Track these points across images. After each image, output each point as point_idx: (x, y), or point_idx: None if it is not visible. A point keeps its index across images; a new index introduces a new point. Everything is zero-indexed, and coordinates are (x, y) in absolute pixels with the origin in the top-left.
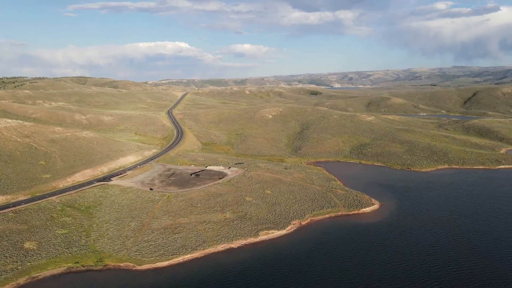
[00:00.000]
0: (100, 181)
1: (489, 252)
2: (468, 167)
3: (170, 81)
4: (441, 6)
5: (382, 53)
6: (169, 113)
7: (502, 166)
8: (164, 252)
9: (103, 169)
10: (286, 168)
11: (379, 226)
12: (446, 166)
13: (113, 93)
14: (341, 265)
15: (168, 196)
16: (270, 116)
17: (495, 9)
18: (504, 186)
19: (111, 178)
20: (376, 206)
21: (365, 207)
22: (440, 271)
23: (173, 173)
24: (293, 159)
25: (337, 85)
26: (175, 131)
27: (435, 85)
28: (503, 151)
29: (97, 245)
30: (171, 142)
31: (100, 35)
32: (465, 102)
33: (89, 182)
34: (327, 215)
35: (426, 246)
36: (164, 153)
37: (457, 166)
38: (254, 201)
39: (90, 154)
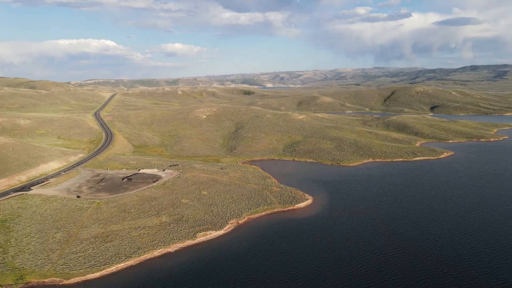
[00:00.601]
0: (17, 191)
1: (409, 235)
2: (389, 160)
3: (96, 81)
4: (361, 11)
5: (311, 54)
6: (97, 115)
7: (417, 158)
8: (95, 263)
9: (21, 178)
10: (222, 168)
11: (312, 219)
12: (370, 159)
13: (31, 94)
14: (277, 259)
15: (98, 203)
16: (204, 116)
17: (408, 15)
18: (420, 176)
19: (31, 187)
20: (309, 201)
21: (299, 202)
22: (368, 257)
23: (103, 178)
24: (228, 158)
25: (269, 85)
26: (103, 134)
27: (359, 85)
28: (418, 144)
29: (17, 262)
30: (99, 146)
31: (12, 30)
32: (385, 100)
33: (4, 193)
34: (263, 213)
35: (355, 234)
36: (92, 157)
37: (380, 159)
38: (190, 202)
39: (4, 162)
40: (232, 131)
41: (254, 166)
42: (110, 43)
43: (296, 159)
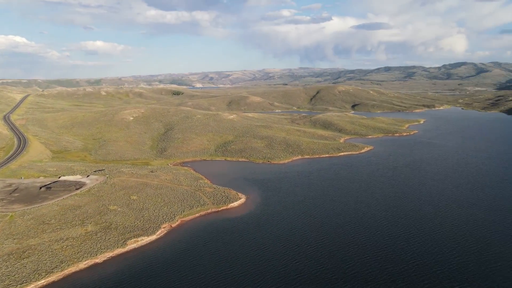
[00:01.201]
0: None
1: (336, 225)
2: (317, 156)
3: (4, 81)
4: (286, 13)
5: (239, 54)
6: (6, 119)
7: (342, 153)
8: (10, 283)
9: None
10: (152, 171)
11: (246, 217)
12: (300, 156)
13: None
14: (211, 259)
15: (11, 216)
16: (131, 118)
17: (328, 18)
18: (344, 170)
19: None
20: (243, 199)
21: (233, 202)
22: (297, 249)
23: (16, 189)
24: (159, 161)
25: (198, 85)
26: (15, 140)
27: (286, 84)
28: (342, 140)
29: None
30: (11, 153)
31: None
32: (311, 99)
33: None
34: (197, 214)
35: (287, 229)
36: (2, 166)
37: (309, 156)
38: (119, 209)
39: None
40: (161, 133)
41: (186, 168)
42: (19, 39)
43: (228, 158)
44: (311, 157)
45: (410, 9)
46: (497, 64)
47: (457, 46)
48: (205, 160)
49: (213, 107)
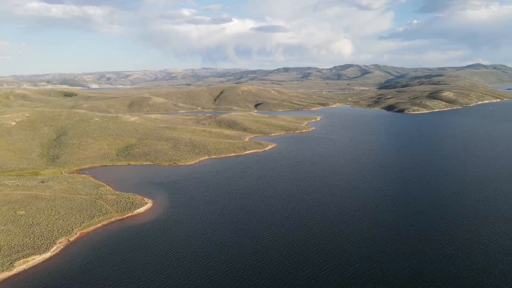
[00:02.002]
0: None
1: (244, 222)
2: (224, 155)
3: None
4: (186, 12)
5: (139, 53)
6: None
7: (247, 152)
8: None
9: None
10: (42, 182)
11: (154, 223)
12: (206, 157)
13: None
14: (115, 270)
15: None
16: (14, 123)
17: (229, 20)
18: (250, 168)
19: None
20: (149, 204)
21: (138, 207)
22: (207, 249)
23: None
24: (51, 170)
25: (94, 86)
26: None
27: (190, 85)
28: (247, 139)
29: None
30: None
31: None
32: (215, 99)
33: None
34: (99, 224)
35: (196, 230)
36: None
37: (215, 156)
38: (2, 227)
39: None
40: (53, 139)
41: (83, 175)
42: None
43: (132, 163)
44: (218, 156)
45: (303, 15)
46: (377, 66)
47: (345, 50)
48: (106, 166)
49: (112, 109)
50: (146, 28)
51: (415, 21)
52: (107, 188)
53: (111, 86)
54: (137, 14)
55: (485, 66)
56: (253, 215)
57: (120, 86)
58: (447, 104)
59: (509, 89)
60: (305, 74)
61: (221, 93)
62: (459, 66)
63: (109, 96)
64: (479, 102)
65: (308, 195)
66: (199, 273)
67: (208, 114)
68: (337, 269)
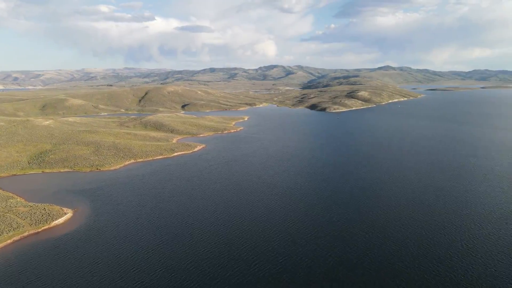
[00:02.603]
0: None
1: (173, 225)
2: (151, 158)
3: None
4: (104, 9)
5: (51, 51)
6: None
7: (175, 154)
8: None
9: None
10: None
11: (74, 234)
12: (132, 161)
13: None
14: None
15: None
16: None
17: (151, 18)
18: (179, 170)
19: None
20: (69, 214)
21: (56, 218)
22: (133, 256)
23: None
24: None
25: None
26: None
27: (111, 85)
28: (175, 140)
29: None
30: None
31: None
32: (140, 101)
33: None
34: (9, 241)
35: (120, 238)
36: None
37: (142, 159)
38: None
39: None
40: None
41: None
42: None
43: (47, 170)
44: (145, 160)
45: (228, 15)
46: (300, 67)
47: (269, 51)
48: (15, 175)
49: (21, 112)
50: (59, 24)
51: (332, 25)
52: (18, 199)
53: (19, 87)
54: (48, 9)
55: (394, 68)
56: (181, 217)
57: (30, 87)
58: (363, 102)
59: (414, 88)
60: (231, 74)
61: (146, 94)
62: (372, 67)
63: (17, 98)
64: (390, 101)
65: (237, 194)
66: (127, 281)
67: (132, 116)
68: (266, 265)
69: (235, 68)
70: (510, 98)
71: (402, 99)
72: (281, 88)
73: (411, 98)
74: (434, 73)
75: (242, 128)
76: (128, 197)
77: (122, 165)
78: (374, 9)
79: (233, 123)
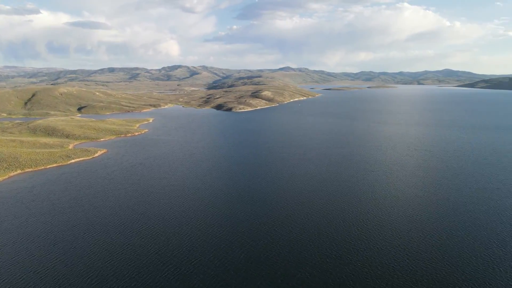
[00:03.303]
0: None
1: (59, 240)
2: (43, 167)
3: None
4: None
5: None
6: None
7: (73, 161)
8: None
9: None
10: None
11: None
12: (19, 171)
13: None
14: None
15: None
16: None
17: (36, 11)
18: (76, 178)
19: None
20: None
21: None
22: (26, 279)
23: None
24: None
25: None
26: None
27: None
28: (71, 146)
29: None
30: None
31: None
32: (25, 104)
33: None
34: None
35: (6, 261)
36: None
37: (31, 169)
38: None
39: None
40: None
41: None
42: None
43: None
44: (35, 169)
45: (126, 12)
46: (205, 68)
47: (172, 51)
48: None
49: None
50: None
51: (235, 27)
52: None
53: None
54: None
55: (293, 69)
56: (81, 228)
57: None
58: (267, 102)
59: (312, 88)
60: (133, 74)
61: (33, 96)
62: (274, 68)
63: None
64: (291, 100)
65: (144, 199)
66: None
67: (17, 121)
68: (178, 269)
69: (137, 68)
70: (389, 96)
71: (302, 98)
72: (186, 88)
73: (310, 97)
74: (329, 74)
75: (147, 130)
76: (14, 212)
77: (6, 176)
78: (273, 13)
79: (137, 125)
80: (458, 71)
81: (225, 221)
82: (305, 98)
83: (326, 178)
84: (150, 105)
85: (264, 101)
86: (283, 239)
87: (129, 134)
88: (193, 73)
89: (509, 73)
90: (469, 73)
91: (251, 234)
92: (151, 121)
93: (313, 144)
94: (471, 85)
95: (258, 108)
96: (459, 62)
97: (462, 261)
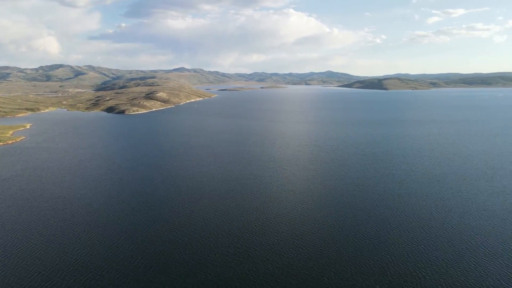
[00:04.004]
0: None
1: None
2: None
3: None
4: None
5: None
6: None
7: None
8: None
9: None
10: None
11: None
12: None
13: None
14: None
15: None
16: None
17: None
18: None
19: None
20: None
21: None
22: None
23: None
24: None
25: None
26: None
27: None
28: None
29: None
30: None
31: None
32: None
33: None
34: None
35: None
36: None
37: None
38: None
39: None
40: None
41: None
42: None
43: None
44: None
45: None
46: (92, 68)
47: (51, 48)
48: None
49: None
50: None
51: (123, 24)
52: None
53: None
54: None
55: (188, 70)
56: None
57: None
58: (162, 103)
59: (208, 89)
60: (2, 74)
61: None
62: (168, 69)
63: None
64: (188, 101)
65: (18, 218)
66: None
67: None
68: (89, 278)
69: (8, 67)
70: (281, 96)
71: (198, 99)
72: (70, 90)
73: (206, 98)
74: (224, 74)
75: (24, 137)
76: None
77: None
78: (164, 12)
79: (11, 132)
80: (338, 73)
81: (118, 228)
82: (201, 99)
83: (227, 177)
84: (27, 109)
85: (159, 102)
86: (184, 240)
87: (1, 143)
88: (78, 73)
89: (378, 75)
90: (347, 74)
91: (150, 240)
92: (28, 127)
93: (213, 144)
94: (349, 85)
95: (154, 109)
96: (339, 65)
97: (347, 243)
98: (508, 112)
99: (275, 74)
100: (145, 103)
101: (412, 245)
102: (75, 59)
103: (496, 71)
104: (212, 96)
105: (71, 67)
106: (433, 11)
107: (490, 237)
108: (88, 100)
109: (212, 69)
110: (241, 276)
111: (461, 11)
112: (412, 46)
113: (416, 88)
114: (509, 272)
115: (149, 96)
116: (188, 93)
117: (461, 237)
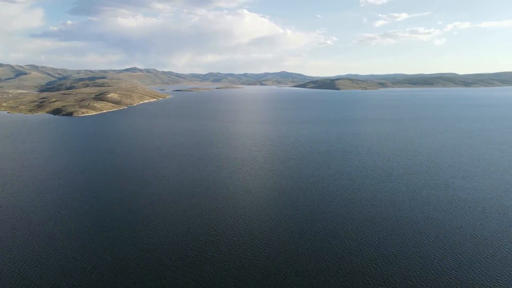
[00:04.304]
0: None
1: None
2: None
3: None
4: None
5: None
6: None
7: None
8: None
9: None
10: None
11: None
12: None
13: None
14: None
15: None
16: None
17: None
18: None
19: None
20: None
21: None
22: None
23: None
24: None
25: None
26: None
27: None
28: None
29: None
30: None
31: None
32: None
33: None
34: None
35: None
36: None
37: None
38: None
39: None
40: None
41: None
42: None
43: None
44: None
45: None
46: (35, 67)
47: None
48: None
49: None
50: None
51: (69, 22)
52: None
53: None
54: None
55: (141, 70)
56: None
57: None
58: (114, 105)
59: (162, 89)
60: None
61: None
62: (119, 69)
63: None
64: (141, 102)
65: None
66: None
67: None
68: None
69: None
70: (236, 96)
71: (152, 100)
72: (11, 91)
73: (160, 98)
74: (178, 75)
75: None
76: None
77: None
78: (114, 10)
79: None
80: (293, 73)
81: (64, 234)
82: (155, 99)
83: (182, 178)
84: None
85: (110, 104)
86: (138, 245)
87: None
88: (19, 73)
89: (330, 75)
90: (301, 75)
91: (92, 246)
92: None
93: (167, 146)
94: (303, 85)
95: (105, 111)
96: (293, 65)
97: (303, 239)
98: (450, 111)
99: (230, 75)
100: (95, 104)
101: (364, 238)
102: (15, 58)
103: (437, 72)
104: (167, 96)
105: (11, 66)
106: (379, 15)
107: (433, 227)
108: (31, 102)
109: (166, 69)
110: (198, 279)
111: (404, 15)
112: (361, 48)
113: (365, 88)
114: (451, 259)
115: (100, 97)
116: (142, 94)
117: (408, 228)
